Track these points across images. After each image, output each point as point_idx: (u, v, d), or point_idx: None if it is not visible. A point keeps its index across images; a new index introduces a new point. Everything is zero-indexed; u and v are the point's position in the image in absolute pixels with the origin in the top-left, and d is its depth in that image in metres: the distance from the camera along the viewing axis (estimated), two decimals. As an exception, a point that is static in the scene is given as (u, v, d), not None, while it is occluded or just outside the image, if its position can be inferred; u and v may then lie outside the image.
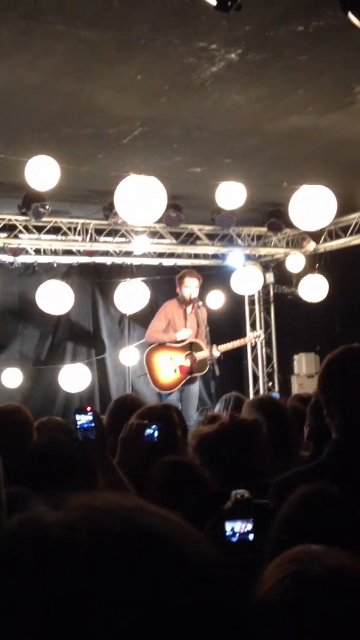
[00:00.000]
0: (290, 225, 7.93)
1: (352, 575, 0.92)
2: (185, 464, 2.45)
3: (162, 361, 7.23)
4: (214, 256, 9.59)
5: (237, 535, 1.67)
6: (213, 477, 2.48)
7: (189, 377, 7.19)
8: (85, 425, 2.46)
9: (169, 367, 7.20)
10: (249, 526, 1.67)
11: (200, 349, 7.22)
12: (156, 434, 2.74)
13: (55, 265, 8.68)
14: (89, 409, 2.51)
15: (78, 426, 2.48)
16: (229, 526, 1.67)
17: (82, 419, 2.48)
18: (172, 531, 0.59)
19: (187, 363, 7.19)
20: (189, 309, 7.34)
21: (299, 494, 1.49)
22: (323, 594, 0.90)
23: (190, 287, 7.21)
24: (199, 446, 2.67)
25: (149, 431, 2.73)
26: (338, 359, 2.11)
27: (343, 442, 2.03)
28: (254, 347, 10.44)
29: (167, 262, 9.30)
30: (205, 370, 7.19)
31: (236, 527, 1.67)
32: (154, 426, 2.76)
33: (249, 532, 1.67)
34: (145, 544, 0.56)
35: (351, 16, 3.27)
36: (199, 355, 7.17)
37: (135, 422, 2.73)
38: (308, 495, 1.48)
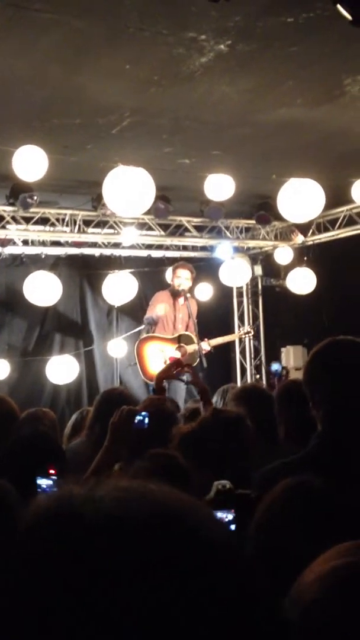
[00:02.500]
0: (278, 217, 7.94)
1: None
2: (170, 456, 2.46)
3: (152, 352, 7.23)
4: (203, 248, 9.58)
5: None
6: (198, 471, 2.49)
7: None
8: (47, 489, 2.38)
9: (159, 358, 7.19)
10: (230, 516, 1.68)
11: (191, 341, 7.21)
12: (146, 420, 2.75)
13: (43, 256, 8.63)
14: (52, 471, 2.41)
15: (39, 489, 2.37)
16: None
17: (44, 482, 2.39)
18: (188, 511, 0.60)
19: (177, 355, 7.19)
20: (180, 300, 7.34)
21: (282, 485, 1.49)
22: None
23: (181, 277, 7.21)
24: (179, 445, 2.67)
25: (139, 418, 2.74)
26: (323, 351, 2.11)
27: (328, 434, 2.03)
28: (241, 340, 10.45)
29: (156, 253, 9.27)
30: (195, 363, 7.19)
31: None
32: (144, 413, 2.77)
33: (230, 522, 1.67)
34: (182, 523, 0.57)
35: (340, 8, 3.26)
36: (190, 348, 7.17)
37: (126, 408, 2.73)
38: (291, 487, 1.47)
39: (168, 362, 7.18)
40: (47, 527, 0.56)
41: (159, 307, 7.32)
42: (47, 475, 2.39)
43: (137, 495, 0.59)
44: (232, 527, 1.67)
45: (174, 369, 4.36)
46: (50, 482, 2.38)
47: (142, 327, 7.82)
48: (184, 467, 2.43)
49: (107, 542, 0.53)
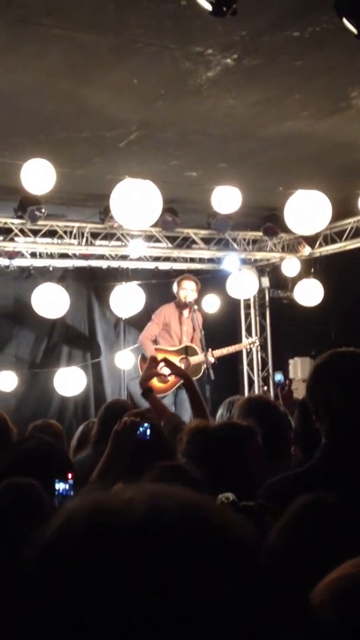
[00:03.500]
0: (285, 229, 7.94)
1: None
2: (178, 468, 2.45)
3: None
4: (210, 260, 9.59)
5: None
6: (203, 480, 2.48)
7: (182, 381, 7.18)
8: (64, 494, 2.41)
9: (162, 371, 7.19)
10: None
11: (195, 353, 7.21)
12: (148, 432, 2.75)
13: (51, 268, 8.67)
14: (70, 475, 2.45)
15: (56, 492, 2.41)
16: None
17: (61, 486, 2.42)
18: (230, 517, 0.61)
19: (181, 367, 7.19)
20: (185, 312, 7.34)
21: (299, 503, 1.48)
22: None
23: (186, 289, 7.21)
24: (189, 439, 2.65)
25: (141, 429, 2.74)
26: (326, 364, 2.10)
27: (332, 447, 2.02)
28: (249, 352, 10.43)
29: (163, 266, 9.29)
30: (200, 375, 7.18)
31: None
32: (146, 424, 2.77)
33: None
34: (218, 528, 0.58)
35: (346, 21, 3.28)
36: (194, 360, 7.16)
37: (129, 419, 2.73)
38: (310, 504, 1.47)
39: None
40: (84, 530, 0.56)
41: (154, 327, 7.32)
42: (65, 480, 2.42)
43: (166, 497, 0.59)
44: None
45: (153, 367, 4.35)
46: (67, 486, 2.41)
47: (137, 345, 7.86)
48: (195, 479, 2.42)
49: (145, 544, 0.53)
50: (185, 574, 0.52)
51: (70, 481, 2.42)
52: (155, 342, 7.39)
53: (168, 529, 0.55)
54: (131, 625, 0.50)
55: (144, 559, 0.53)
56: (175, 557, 0.53)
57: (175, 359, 7.20)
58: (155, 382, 7.18)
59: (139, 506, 0.57)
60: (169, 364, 4.38)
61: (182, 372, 4.32)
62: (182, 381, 7.08)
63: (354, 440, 1.99)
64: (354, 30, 3.37)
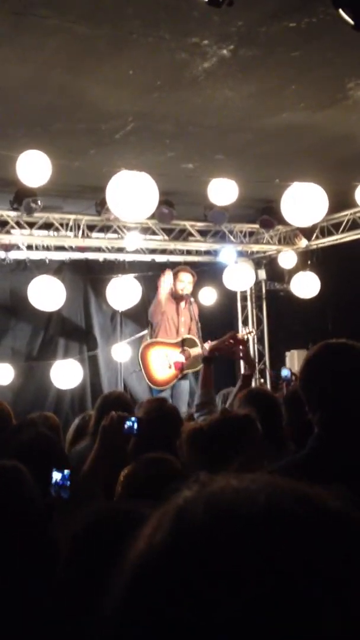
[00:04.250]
0: (282, 222, 7.94)
1: None
2: (165, 460, 2.46)
3: (156, 357, 7.23)
4: (207, 252, 9.59)
5: None
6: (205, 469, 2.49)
7: (183, 373, 7.21)
8: (60, 483, 2.42)
9: (163, 363, 7.20)
10: None
11: (194, 344, 7.22)
12: (135, 426, 2.78)
13: (47, 261, 8.65)
14: (66, 471, 2.46)
15: (53, 482, 2.42)
16: None
17: (58, 476, 2.42)
18: (335, 504, 0.59)
19: (181, 359, 7.20)
20: (182, 304, 7.35)
21: None
22: None
23: (183, 281, 7.23)
24: (187, 442, 2.67)
25: (128, 423, 2.77)
26: (317, 355, 2.12)
27: (327, 436, 2.04)
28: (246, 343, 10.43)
29: (160, 258, 9.29)
30: (198, 367, 7.19)
31: None
32: (133, 418, 2.81)
33: None
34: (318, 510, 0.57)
35: (342, 12, 3.27)
36: (194, 352, 7.18)
37: (115, 414, 2.76)
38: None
39: (172, 366, 7.19)
40: (208, 527, 0.54)
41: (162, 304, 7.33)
42: (61, 470, 2.44)
43: (275, 485, 0.58)
44: None
45: (230, 342, 4.43)
46: (63, 476, 2.42)
47: (146, 331, 7.84)
48: (179, 470, 2.44)
49: (276, 533, 0.53)
50: (316, 561, 0.52)
51: (67, 471, 2.43)
52: (155, 333, 7.40)
53: (292, 517, 0.54)
54: (271, 616, 0.49)
55: (278, 548, 0.52)
56: (307, 544, 0.53)
57: (176, 352, 7.22)
58: (156, 375, 7.20)
59: (257, 496, 0.56)
60: (246, 349, 4.47)
61: (252, 363, 4.43)
62: (180, 374, 7.12)
63: (348, 430, 2.01)
64: (350, 21, 3.36)
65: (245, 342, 4.51)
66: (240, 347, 4.46)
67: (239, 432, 2.66)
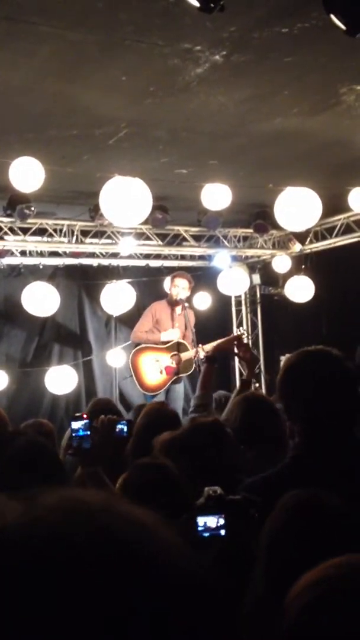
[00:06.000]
0: (276, 226, 7.96)
1: None
2: (159, 466, 2.46)
3: (147, 363, 7.22)
4: (201, 257, 9.60)
5: (209, 530, 1.70)
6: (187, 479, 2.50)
7: (174, 377, 7.19)
8: (81, 434, 2.45)
9: (154, 368, 7.19)
10: (221, 521, 1.70)
11: (185, 349, 7.22)
12: (125, 429, 2.80)
13: (41, 266, 8.64)
14: (85, 416, 2.49)
15: (73, 434, 2.47)
16: (201, 521, 1.69)
17: (78, 425, 2.46)
18: (135, 534, 0.55)
19: (172, 364, 7.19)
20: (177, 309, 7.34)
21: (292, 500, 1.49)
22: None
23: (178, 286, 7.22)
24: (160, 453, 2.68)
25: (119, 426, 2.79)
26: (295, 364, 2.11)
27: (306, 446, 2.03)
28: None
29: (154, 263, 9.29)
30: (191, 370, 7.20)
31: (208, 522, 1.70)
32: (123, 422, 2.83)
33: (220, 527, 1.70)
34: (101, 546, 0.52)
35: (334, 18, 3.28)
36: (185, 356, 7.17)
37: (106, 418, 2.77)
38: (304, 502, 1.48)
39: (164, 371, 7.18)
40: None
41: (147, 323, 7.33)
42: (81, 418, 2.48)
43: (65, 515, 0.54)
44: (222, 532, 1.71)
45: (234, 343, 4.44)
46: (85, 424, 2.47)
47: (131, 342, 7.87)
48: (175, 475, 2.43)
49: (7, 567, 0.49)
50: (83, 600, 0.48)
51: (86, 421, 2.47)
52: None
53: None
54: None
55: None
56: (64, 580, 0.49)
57: (167, 356, 7.21)
58: (148, 381, 7.19)
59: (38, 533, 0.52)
60: (249, 354, 4.46)
61: (252, 368, 4.41)
62: (174, 377, 7.11)
63: (327, 439, 2.00)
64: (342, 26, 3.37)
65: (248, 346, 4.52)
66: (245, 349, 4.46)
67: (208, 438, 2.66)
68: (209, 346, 7.22)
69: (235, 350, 4.48)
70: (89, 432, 2.47)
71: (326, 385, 2.03)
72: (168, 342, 7.26)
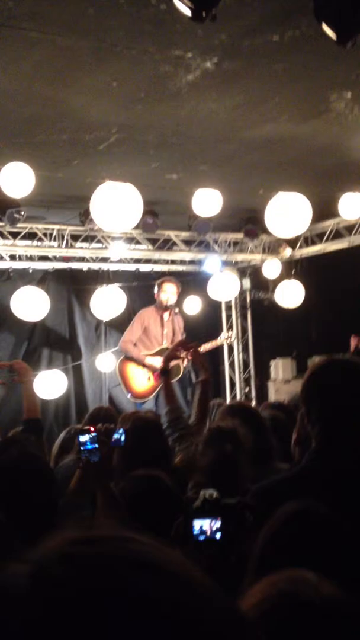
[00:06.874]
0: (266, 231, 7.97)
1: (344, 607, 0.95)
2: (153, 478, 2.45)
3: (135, 370, 7.20)
4: (191, 262, 9.60)
5: (205, 533, 1.69)
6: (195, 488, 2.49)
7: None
8: (89, 447, 2.44)
9: (142, 375, 7.17)
10: (217, 525, 1.70)
11: (173, 354, 7.20)
12: (122, 437, 2.79)
13: (30, 271, 8.60)
14: (92, 429, 2.49)
15: (81, 448, 2.46)
16: (197, 524, 1.69)
17: (85, 439, 2.45)
18: (169, 560, 0.56)
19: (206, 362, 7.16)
20: (165, 315, 7.32)
21: (287, 511, 1.50)
22: (313, 620, 0.93)
23: (167, 292, 7.20)
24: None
25: (116, 435, 2.78)
26: (319, 371, 2.16)
27: (322, 452, 2.05)
28: (230, 353, 10.45)
29: (144, 268, 9.28)
30: (180, 375, 7.18)
31: (204, 526, 1.70)
32: (120, 430, 2.82)
33: (216, 530, 1.70)
34: (145, 573, 0.54)
35: (325, 26, 3.29)
36: (173, 362, 7.15)
37: (102, 427, 2.76)
38: (296, 513, 1.48)
39: (152, 378, 7.16)
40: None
41: (134, 331, 7.31)
42: (87, 432, 2.48)
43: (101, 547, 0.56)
44: (218, 535, 1.71)
45: (180, 350, 4.39)
46: (92, 438, 2.46)
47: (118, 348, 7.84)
48: (168, 486, 2.43)
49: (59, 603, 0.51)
50: None
51: (94, 434, 2.46)
52: (134, 346, 7.37)
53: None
54: None
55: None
56: None
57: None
58: (136, 388, 7.18)
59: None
60: (196, 354, 4.39)
61: (206, 366, 4.33)
62: (161, 386, 7.09)
63: (343, 447, 2.02)
64: (332, 34, 3.37)
65: (197, 348, 4.46)
66: (192, 353, 4.39)
67: (225, 443, 2.66)
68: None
69: (182, 355, 4.45)
70: (97, 445, 2.45)
71: (345, 395, 2.07)
72: (156, 349, 7.24)
